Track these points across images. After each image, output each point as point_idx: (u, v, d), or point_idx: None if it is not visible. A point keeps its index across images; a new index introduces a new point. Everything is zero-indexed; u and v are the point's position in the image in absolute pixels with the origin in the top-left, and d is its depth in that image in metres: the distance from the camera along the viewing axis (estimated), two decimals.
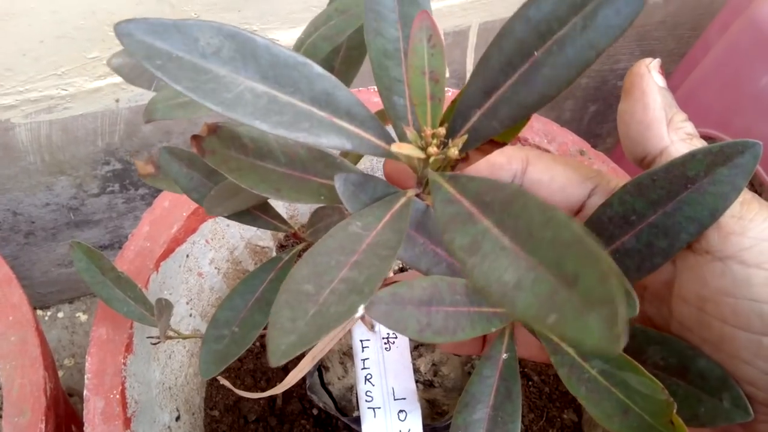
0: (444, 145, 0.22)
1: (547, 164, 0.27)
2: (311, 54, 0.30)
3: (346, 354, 0.52)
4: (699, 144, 0.25)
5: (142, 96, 0.66)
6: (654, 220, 0.24)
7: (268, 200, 0.33)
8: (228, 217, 0.31)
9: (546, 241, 0.15)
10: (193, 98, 0.17)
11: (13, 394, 0.46)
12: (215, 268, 0.60)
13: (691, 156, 0.23)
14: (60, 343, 0.89)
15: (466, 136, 0.22)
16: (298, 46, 0.31)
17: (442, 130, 0.22)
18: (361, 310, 0.17)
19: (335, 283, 0.17)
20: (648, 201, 0.24)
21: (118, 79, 0.64)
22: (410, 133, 0.22)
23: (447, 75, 0.22)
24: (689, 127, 0.25)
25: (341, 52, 0.32)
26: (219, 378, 0.39)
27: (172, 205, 0.53)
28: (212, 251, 0.58)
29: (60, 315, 0.92)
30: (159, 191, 0.64)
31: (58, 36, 0.58)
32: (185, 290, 0.56)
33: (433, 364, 0.51)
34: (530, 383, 0.62)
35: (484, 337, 0.33)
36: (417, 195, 0.23)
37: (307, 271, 0.17)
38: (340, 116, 0.20)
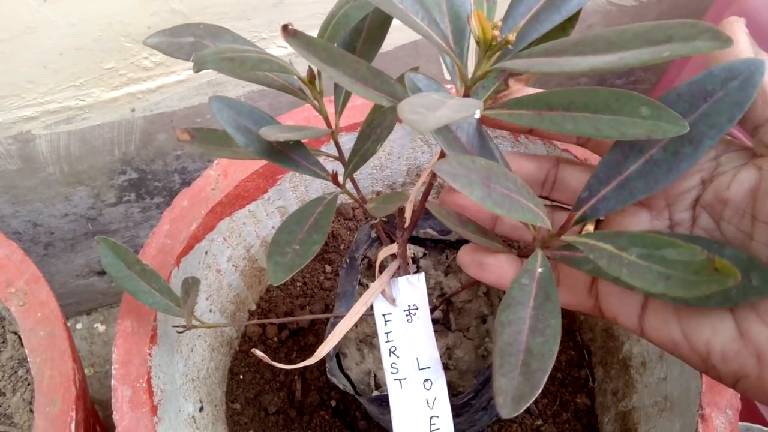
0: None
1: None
2: (343, 23, 0.34)
3: (362, 341, 0.53)
4: None
5: (157, 105, 0.69)
6: None
7: (306, 147, 0.36)
8: (271, 159, 0.35)
9: None
10: None
11: (44, 385, 0.48)
12: (233, 265, 0.62)
13: (709, 73, 0.27)
14: (79, 353, 0.91)
15: (518, 30, 0.29)
16: (332, 16, 0.34)
17: (499, 22, 0.28)
18: (478, 113, 0.23)
19: (445, 106, 0.22)
20: None
21: (133, 88, 0.67)
22: (474, 22, 0.27)
23: None
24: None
25: (363, 32, 0.35)
26: (254, 351, 0.41)
27: (191, 204, 0.55)
28: (230, 249, 0.60)
29: (78, 326, 0.94)
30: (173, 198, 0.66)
31: (77, 48, 0.60)
32: (205, 286, 0.58)
33: (447, 348, 0.53)
34: None
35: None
36: None
37: (417, 101, 0.22)
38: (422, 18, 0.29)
